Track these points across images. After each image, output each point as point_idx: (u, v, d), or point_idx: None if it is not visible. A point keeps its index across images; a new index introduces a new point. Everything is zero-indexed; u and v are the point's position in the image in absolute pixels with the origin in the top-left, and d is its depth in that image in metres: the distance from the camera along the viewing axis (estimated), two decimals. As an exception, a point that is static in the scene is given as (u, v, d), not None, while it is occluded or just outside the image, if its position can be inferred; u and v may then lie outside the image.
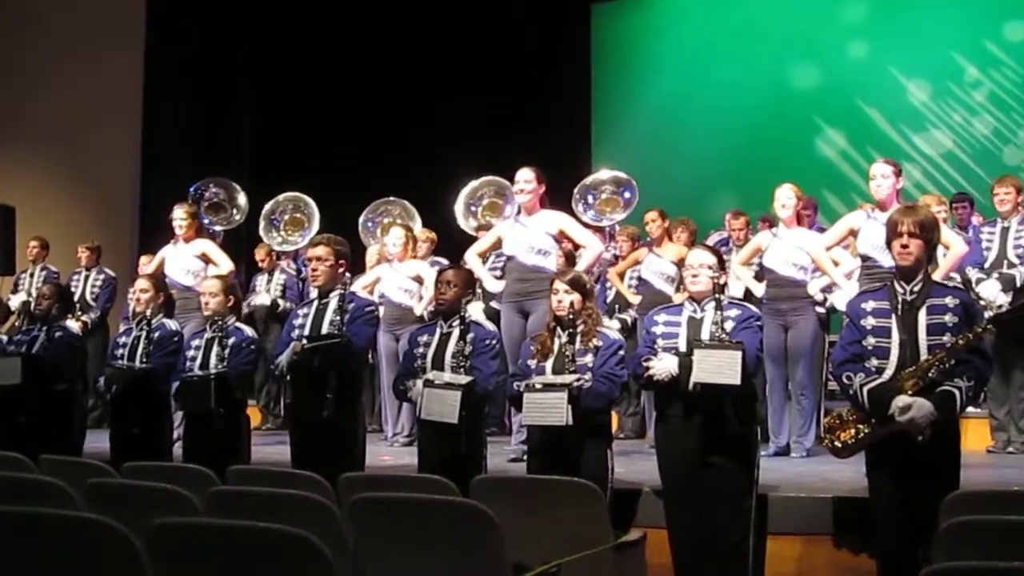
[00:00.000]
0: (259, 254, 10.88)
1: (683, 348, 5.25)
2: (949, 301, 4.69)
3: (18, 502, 3.73)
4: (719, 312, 5.21)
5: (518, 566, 3.83)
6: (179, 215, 8.93)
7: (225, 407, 6.39)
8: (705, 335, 5.23)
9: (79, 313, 9.56)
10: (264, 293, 10.33)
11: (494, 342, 6.05)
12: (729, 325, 5.22)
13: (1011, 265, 7.73)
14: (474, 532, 3.68)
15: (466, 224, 10.34)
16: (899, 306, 4.74)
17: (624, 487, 5.97)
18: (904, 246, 4.73)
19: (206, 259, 8.83)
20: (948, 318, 4.66)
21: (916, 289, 4.73)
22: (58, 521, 3.27)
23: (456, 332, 5.89)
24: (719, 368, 5.03)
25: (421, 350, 6.00)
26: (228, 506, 4.09)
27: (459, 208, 10.44)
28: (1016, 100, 12.45)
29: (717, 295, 5.27)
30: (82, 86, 13.03)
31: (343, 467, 5.14)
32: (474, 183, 10.51)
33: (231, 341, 6.57)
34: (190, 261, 8.82)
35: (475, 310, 7.54)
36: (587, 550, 4.28)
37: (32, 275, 10.92)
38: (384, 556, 3.85)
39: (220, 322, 6.66)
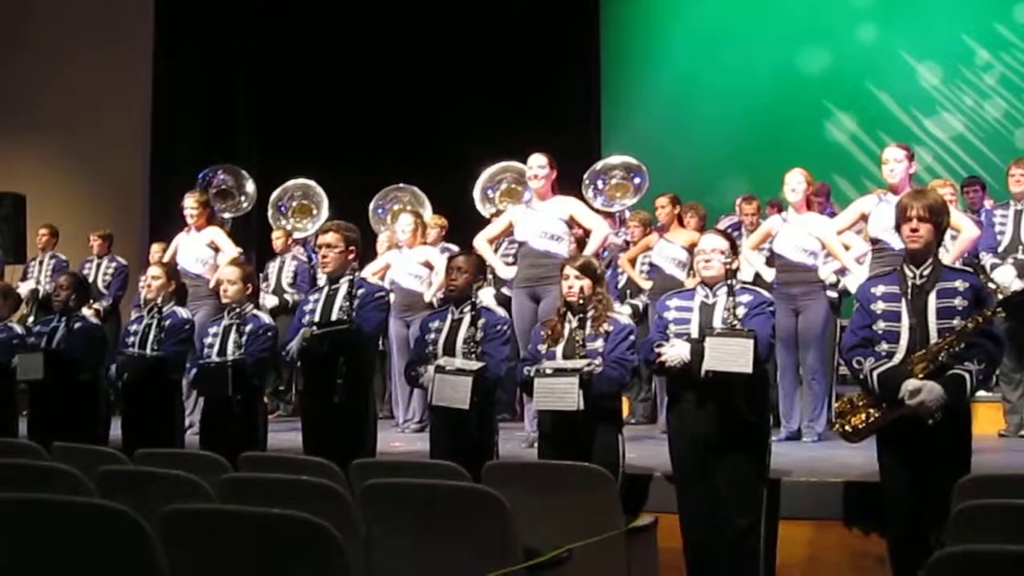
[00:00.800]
0: (276, 234, 10.82)
1: (695, 334, 5.24)
2: (959, 284, 4.69)
3: (32, 489, 3.75)
4: (731, 298, 5.21)
5: (530, 551, 3.84)
6: (190, 204, 8.97)
7: (242, 394, 6.40)
8: (717, 321, 5.22)
9: (91, 301, 9.56)
10: (270, 296, 10.20)
11: (505, 328, 6.05)
12: (741, 311, 5.20)
13: (1027, 250, 7.70)
14: (486, 517, 3.69)
15: (483, 209, 10.30)
16: (909, 290, 4.73)
17: (635, 472, 5.97)
18: (914, 230, 4.73)
19: (215, 247, 8.86)
20: (958, 302, 4.65)
21: (926, 273, 4.73)
22: (71, 508, 3.29)
23: (467, 318, 5.90)
24: (731, 356, 5.02)
25: (432, 336, 6.00)
26: (240, 492, 4.11)
27: (477, 192, 10.41)
28: (1027, 83, 12.41)
29: (729, 280, 5.26)
30: (92, 74, 13.04)
31: (354, 453, 5.16)
32: (493, 168, 10.45)
33: (248, 328, 6.58)
34: (201, 249, 8.86)
35: (486, 296, 7.55)
36: (599, 535, 4.29)
37: (41, 263, 10.94)
38: (396, 542, 3.86)
39: (238, 309, 6.68)
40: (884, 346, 4.72)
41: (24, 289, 10.60)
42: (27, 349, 7.45)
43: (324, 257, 6.35)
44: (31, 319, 9.88)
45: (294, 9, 14.08)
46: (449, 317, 6.02)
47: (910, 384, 4.55)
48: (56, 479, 4.31)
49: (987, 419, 7.83)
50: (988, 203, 9.36)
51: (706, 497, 5.20)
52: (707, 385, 5.13)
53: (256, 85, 14.30)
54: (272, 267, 10.53)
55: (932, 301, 4.68)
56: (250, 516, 3.25)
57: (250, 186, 11.16)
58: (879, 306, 4.77)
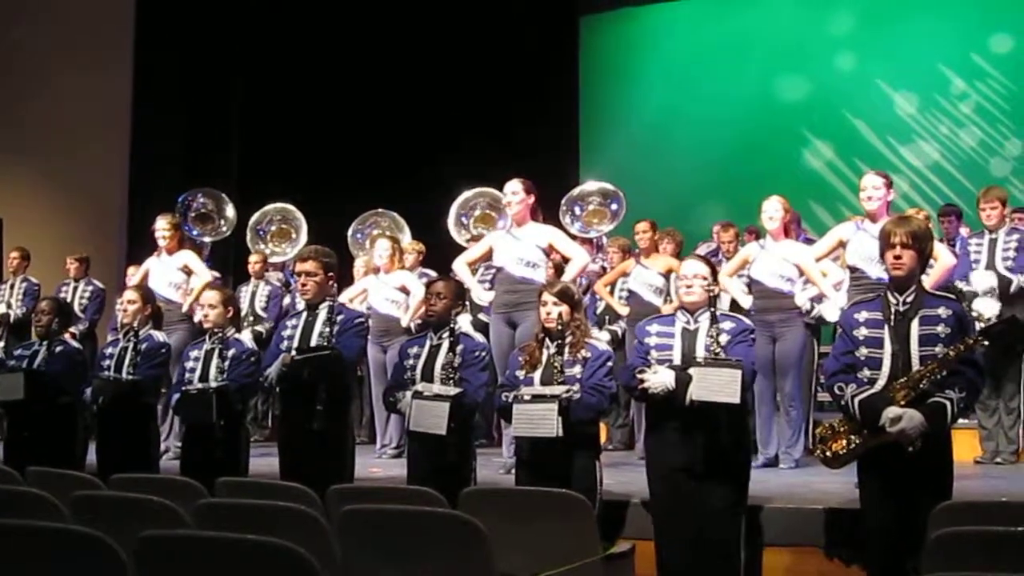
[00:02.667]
0: (253, 258, 10.75)
1: (678, 360, 5.23)
2: (942, 312, 4.70)
3: (6, 514, 3.72)
4: (714, 325, 5.21)
5: (507, 578, 3.83)
6: (162, 226, 8.92)
7: (224, 419, 6.34)
8: (700, 347, 5.21)
9: (71, 325, 9.50)
10: (246, 332, 9.94)
11: (484, 354, 6.04)
12: (724, 338, 5.21)
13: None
14: (463, 544, 3.68)
15: (458, 235, 10.29)
16: (892, 317, 4.74)
17: (613, 498, 5.96)
18: (897, 257, 4.74)
19: (188, 271, 8.81)
20: (940, 329, 4.66)
21: (909, 300, 4.74)
22: (46, 533, 3.26)
23: (446, 344, 5.88)
24: (718, 386, 5.02)
25: (411, 362, 5.98)
26: (217, 518, 4.08)
27: (451, 219, 10.40)
28: (1002, 112, 12.51)
29: (711, 307, 5.26)
30: (70, 97, 13.01)
31: (332, 479, 5.13)
32: (467, 193, 10.45)
33: (231, 353, 6.53)
34: (173, 273, 8.81)
35: (464, 322, 7.54)
36: (576, 561, 4.27)
37: (12, 286, 10.87)
38: (372, 568, 3.84)
39: (220, 334, 6.63)
40: (866, 372, 4.72)
41: (-5, 313, 10.55)
42: (7, 371, 7.40)
43: (304, 285, 6.31)
44: (1, 343, 9.80)
45: (275, 33, 14.08)
46: (428, 343, 6.01)
47: (891, 412, 4.55)
48: (30, 504, 4.27)
49: (964, 445, 7.84)
50: (964, 231, 9.40)
51: (685, 524, 5.18)
52: (690, 413, 5.11)
53: (236, 109, 14.28)
54: (245, 291, 10.44)
55: (915, 328, 4.69)
56: (226, 542, 3.22)
57: (230, 210, 11.12)
58: (862, 332, 4.78)
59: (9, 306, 10.65)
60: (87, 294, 10.70)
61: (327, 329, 6.09)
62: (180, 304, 8.62)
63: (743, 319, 5.51)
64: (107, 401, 6.80)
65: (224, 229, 11.13)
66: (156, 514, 4.02)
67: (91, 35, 13.28)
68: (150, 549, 3.20)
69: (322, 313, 6.20)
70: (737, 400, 5.02)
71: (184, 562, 3.21)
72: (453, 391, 5.67)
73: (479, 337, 6.38)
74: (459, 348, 5.83)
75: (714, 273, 5.46)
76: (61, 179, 13.18)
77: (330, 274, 6.34)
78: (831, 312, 7.18)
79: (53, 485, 4.76)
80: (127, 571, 3.05)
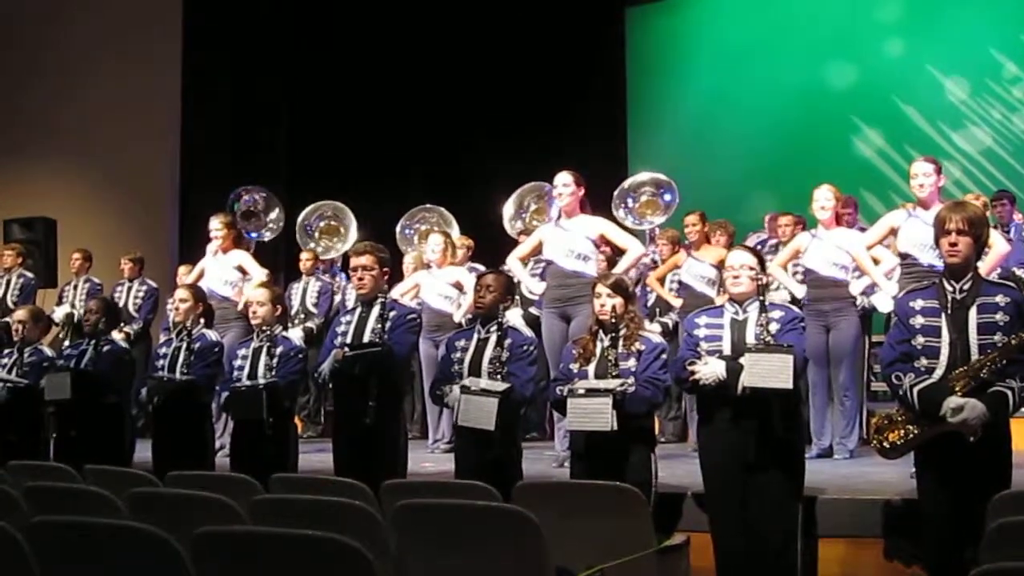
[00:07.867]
0: (305, 255, 10.81)
1: (727, 351, 5.21)
2: (1000, 299, 4.61)
3: (65, 511, 3.76)
4: (764, 314, 5.18)
5: (562, 571, 3.82)
6: (215, 226, 8.96)
7: (273, 416, 6.38)
8: (750, 337, 5.19)
9: (121, 324, 9.59)
10: (295, 329, 9.90)
11: (531, 348, 6.00)
12: (774, 327, 5.18)
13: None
14: (517, 537, 3.67)
15: (512, 229, 10.26)
16: (949, 305, 4.66)
17: (667, 491, 5.94)
18: (952, 244, 4.66)
19: (243, 270, 8.87)
20: (999, 317, 4.57)
21: (966, 287, 4.66)
22: (104, 530, 3.29)
23: (493, 338, 5.87)
24: (771, 372, 4.99)
25: (458, 355, 5.96)
26: (271, 514, 4.11)
27: (508, 212, 10.38)
28: (1056, 95, 12.33)
29: (760, 296, 5.24)
30: (121, 97, 13.13)
31: (385, 474, 5.16)
32: (520, 190, 10.43)
33: (279, 350, 6.57)
34: (228, 271, 8.85)
35: (513, 316, 7.53)
36: (631, 555, 4.27)
37: (76, 287, 11.00)
38: (427, 562, 3.85)
39: (268, 331, 6.66)
40: (924, 361, 4.65)
41: (59, 313, 10.67)
42: (56, 371, 7.48)
43: (360, 279, 6.31)
44: (67, 343, 9.91)
45: (324, 29, 14.14)
46: (475, 336, 5.99)
47: (952, 401, 4.49)
48: (89, 501, 4.32)
49: (1020, 434, 7.71)
50: (1017, 216, 9.28)
51: (739, 516, 5.16)
52: (742, 402, 5.09)
53: (286, 106, 14.34)
54: (296, 288, 10.53)
55: (973, 316, 4.60)
56: (282, 537, 3.24)
57: (276, 212, 11.13)
58: (918, 320, 4.71)
59: (73, 306, 10.78)
60: (141, 294, 10.79)
61: (379, 325, 6.10)
62: (236, 302, 8.65)
63: (792, 308, 5.49)
64: (162, 400, 6.87)
65: (272, 226, 11.19)
66: (212, 510, 4.05)
67: (140, 36, 13.38)
68: (207, 545, 3.22)
69: (375, 309, 6.21)
70: (789, 385, 4.99)
71: (240, 558, 3.23)
72: (501, 386, 5.64)
73: (527, 331, 6.35)
74: (507, 342, 5.81)
75: (761, 263, 5.43)
76: (112, 180, 13.30)
77: (384, 269, 6.36)
78: (883, 303, 7.12)
79: (110, 482, 4.82)
80: (184, 567, 3.08)
